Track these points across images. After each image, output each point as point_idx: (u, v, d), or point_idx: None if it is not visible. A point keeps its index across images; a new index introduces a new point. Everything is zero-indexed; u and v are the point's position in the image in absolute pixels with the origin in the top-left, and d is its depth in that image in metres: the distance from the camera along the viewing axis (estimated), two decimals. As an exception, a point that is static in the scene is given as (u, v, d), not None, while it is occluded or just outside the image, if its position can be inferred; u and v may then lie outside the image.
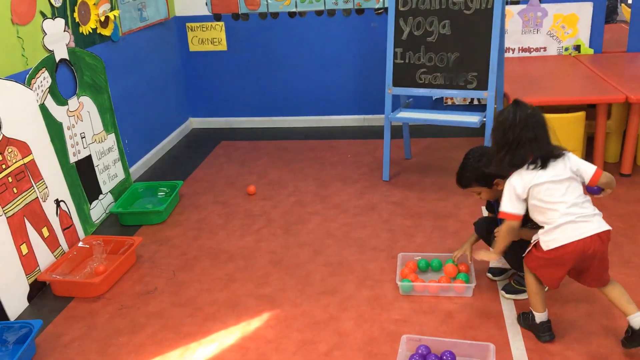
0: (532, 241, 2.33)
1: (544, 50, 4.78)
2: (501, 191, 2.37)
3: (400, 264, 2.92)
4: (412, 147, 4.54)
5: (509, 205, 2.27)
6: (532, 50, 4.79)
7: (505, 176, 2.34)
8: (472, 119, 3.79)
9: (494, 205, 2.69)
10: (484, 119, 3.70)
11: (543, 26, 4.72)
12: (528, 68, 4.50)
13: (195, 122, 5.64)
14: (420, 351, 2.29)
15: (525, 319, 2.46)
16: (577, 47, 4.70)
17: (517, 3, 4.73)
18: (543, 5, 4.67)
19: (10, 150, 2.91)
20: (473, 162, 2.54)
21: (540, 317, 2.37)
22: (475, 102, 5.06)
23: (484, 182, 2.52)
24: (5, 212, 2.80)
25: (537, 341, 2.38)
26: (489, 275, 2.84)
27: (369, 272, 2.98)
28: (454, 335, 2.45)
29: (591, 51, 4.70)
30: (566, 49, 4.74)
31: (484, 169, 2.41)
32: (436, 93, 3.86)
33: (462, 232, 3.29)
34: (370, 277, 2.93)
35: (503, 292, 2.69)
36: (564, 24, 4.69)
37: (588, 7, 4.62)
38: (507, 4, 4.64)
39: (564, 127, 3.52)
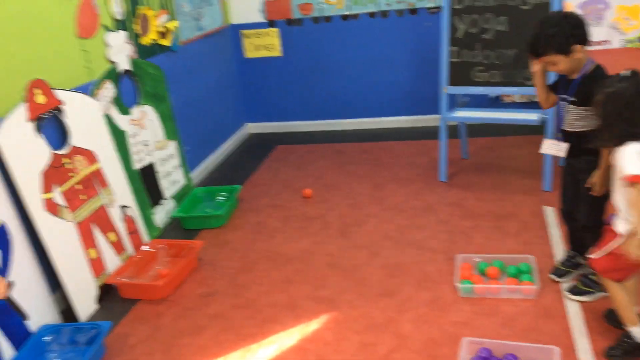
0: (603, 249, 2.21)
1: (607, 44, 4.60)
2: (578, 60, 2.34)
3: (458, 265, 2.88)
4: (470, 147, 4.46)
5: (636, 166, 2.00)
6: (594, 43, 4.62)
7: (584, 41, 2.34)
8: (531, 116, 3.69)
9: (558, 85, 2.54)
10: (544, 116, 3.60)
11: (605, 18, 4.55)
12: (590, 62, 4.34)
13: (252, 127, 5.74)
14: (481, 354, 2.25)
15: (623, 348, 2.24)
16: (643, 39, 4.51)
17: (577, -4, 4.58)
18: (605, -4, 4.51)
19: (78, 159, 3.04)
20: (549, 28, 2.34)
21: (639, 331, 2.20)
22: (535, 99, 4.92)
23: (562, 49, 2.34)
24: (74, 218, 2.94)
25: (604, 344, 2.29)
26: (553, 276, 2.75)
27: (427, 274, 2.95)
28: (517, 339, 2.39)
29: (658, 42, 4.49)
30: (630, 42, 4.55)
31: (592, 141, 2.20)
32: (494, 91, 3.79)
33: (523, 233, 3.21)
34: (429, 278, 2.90)
35: (568, 294, 2.61)
36: (628, 16, 4.50)
37: (654, -3, 4.43)
38: (566, -3, 4.49)
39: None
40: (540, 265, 2.84)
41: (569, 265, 2.75)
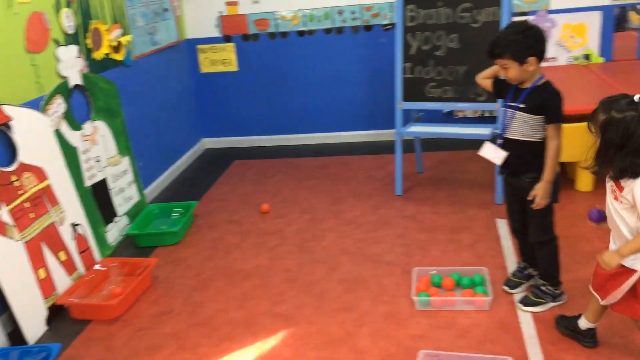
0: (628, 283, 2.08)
1: (554, 60, 4.77)
2: (529, 72, 2.39)
3: (415, 278, 2.91)
4: (424, 161, 4.54)
5: None
6: (541, 60, 4.78)
7: (541, 56, 2.38)
8: (483, 131, 3.78)
9: (499, 86, 2.60)
10: (496, 131, 3.69)
11: (552, 36, 4.72)
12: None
13: (208, 143, 5.70)
14: (437, 367, 2.27)
15: (566, 322, 2.43)
16: (587, 56, 4.69)
17: (525, 14, 4.74)
18: (551, 15, 4.68)
19: (27, 176, 2.95)
20: (514, 34, 2.38)
21: (588, 324, 2.35)
22: (487, 114, 5.05)
23: (518, 56, 2.37)
24: (23, 237, 2.84)
25: (556, 354, 2.35)
26: (505, 288, 2.81)
27: (384, 287, 2.97)
28: (472, 350, 2.42)
29: (601, 60, 4.69)
30: (576, 59, 4.73)
31: (600, 166, 2.03)
32: (446, 106, 3.87)
33: (477, 245, 3.27)
34: (386, 292, 2.92)
35: (520, 305, 2.67)
36: (573, 34, 4.69)
37: (597, 16, 4.63)
38: (514, 15, 4.65)
39: (576, 136, 3.47)
40: (494, 277, 2.90)
41: (521, 277, 2.81)
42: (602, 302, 2.21)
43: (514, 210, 2.71)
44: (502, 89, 2.60)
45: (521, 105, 2.49)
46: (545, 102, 2.43)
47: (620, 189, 2.00)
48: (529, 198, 2.49)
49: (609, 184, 2.07)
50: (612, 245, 2.14)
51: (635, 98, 1.93)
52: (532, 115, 2.46)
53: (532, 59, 2.39)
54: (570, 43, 4.72)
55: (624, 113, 1.92)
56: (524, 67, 2.40)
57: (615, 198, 2.04)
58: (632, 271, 2.05)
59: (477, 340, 2.49)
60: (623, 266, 2.05)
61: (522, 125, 2.50)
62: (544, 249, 2.62)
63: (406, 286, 2.94)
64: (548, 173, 2.44)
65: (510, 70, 2.43)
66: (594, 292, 2.24)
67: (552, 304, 2.64)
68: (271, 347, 2.60)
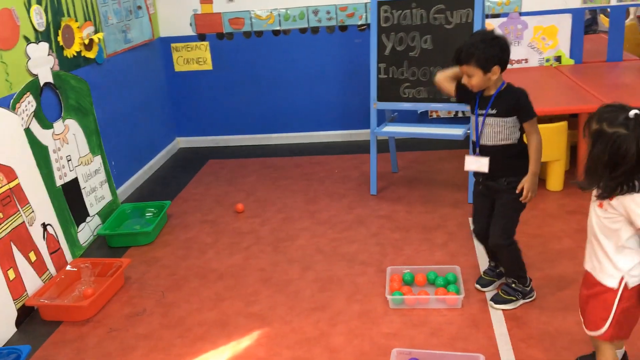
0: (609, 318, 1.91)
1: (526, 62, 4.84)
2: (492, 80, 2.43)
3: (389, 277, 2.93)
4: (399, 161, 4.57)
5: None
6: (513, 62, 4.85)
7: (504, 65, 2.42)
8: (456, 131, 3.82)
9: (462, 92, 2.62)
10: (468, 131, 3.74)
11: (524, 38, 4.79)
12: (510, 80, 4.47)
13: (182, 142, 5.65)
14: (410, 364, 2.29)
15: None
16: (558, 58, 4.77)
17: (498, 16, 4.80)
18: (523, 17, 4.75)
19: (-5, 175, 2.90)
20: (481, 42, 2.41)
21: (619, 353, 2.08)
22: (460, 115, 5.11)
23: (484, 65, 2.41)
24: (-9, 237, 2.79)
25: (526, 351, 2.39)
26: (477, 286, 2.85)
27: (358, 286, 2.98)
28: (444, 347, 2.45)
29: (572, 62, 4.77)
30: (547, 60, 4.81)
31: (586, 184, 1.88)
32: (420, 107, 3.90)
33: (450, 244, 3.31)
34: (360, 291, 2.94)
35: (492, 303, 2.70)
36: (544, 36, 4.76)
37: (567, 19, 4.70)
38: (487, 17, 4.71)
39: (548, 137, 3.55)
40: (466, 275, 2.93)
41: (492, 275, 2.85)
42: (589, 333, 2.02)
43: (483, 213, 2.72)
44: (465, 96, 2.63)
45: (492, 112, 2.52)
46: (515, 102, 2.48)
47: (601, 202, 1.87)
48: (517, 191, 2.51)
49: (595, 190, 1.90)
50: (588, 262, 1.98)
51: (631, 114, 1.74)
52: (504, 119, 2.49)
53: (496, 68, 2.43)
54: (541, 45, 4.79)
55: (615, 128, 1.74)
56: (488, 75, 2.44)
57: (600, 205, 1.87)
58: (611, 290, 1.90)
59: (450, 337, 2.52)
60: (601, 285, 1.92)
61: (496, 130, 2.53)
62: (504, 253, 2.66)
63: (380, 285, 2.96)
64: (534, 165, 2.48)
65: (474, 78, 2.46)
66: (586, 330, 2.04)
67: (522, 301, 2.69)
68: (245, 347, 2.59)
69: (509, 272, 2.71)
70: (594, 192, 1.89)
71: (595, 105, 3.78)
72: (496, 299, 2.71)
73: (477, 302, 2.75)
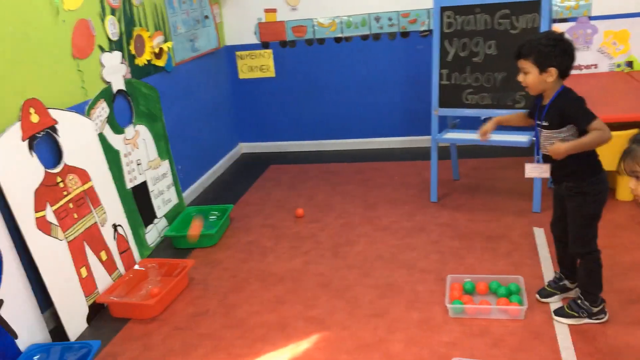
0: None
1: (595, 68, 4.68)
2: (547, 83, 2.37)
3: (449, 285, 2.90)
4: (460, 168, 4.50)
5: None
6: (582, 67, 4.70)
7: (564, 72, 2.35)
8: (521, 138, 3.74)
9: (535, 111, 2.56)
10: (534, 139, 3.64)
11: (593, 43, 4.63)
12: (579, 85, 4.35)
13: (245, 147, 5.77)
14: (470, 374, 2.26)
15: None
16: (630, 64, 4.59)
17: (566, 20, 4.67)
18: (592, 22, 4.60)
19: (71, 177, 3.06)
20: (544, 39, 2.37)
21: None
22: (525, 121, 4.98)
23: (541, 63, 2.36)
24: (66, 236, 2.94)
25: (593, 365, 2.31)
26: (537, 296, 2.78)
27: (418, 294, 2.96)
28: (506, 359, 2.40)
29: (645, 67, 4.58)
30: (618, 66, 4.63)
31: None
32: (483, 113, 3.83)
33: (514, 254, 3.24)
34: (420, 299, 2.92)
35: (553, 314, 2.63)
36: (615, 40, 4.59)
37: (640, 22, 4.52)
38: (554, 22, 4.58)
39: (618, 145, 3.41)
40: (530, 286, 2.86)
41: (555, 287, 2.77)
42: None
43: (556, 215, 2.68)
44: (533, 109, 2.59)
45: (544, 123, 2.47)
46: (563, 112, 2.39)
47: None
48: (546, 152, 2.47)
49: None
50: None
51: None
52: (557, 130, 2.43)
53: (552, 70, 2.37)
54: (612, 50, 4.62)
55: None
56: (543, 76, 2.39)
57: None
58: None
59: (511, 349, 2.47)
60: None
61: (552, 142, 2.45)
62: (583, 262, 2.57)
63: (440, 293, 2.93)
64: (578, 142, 2.35)
65: (529, 76, 2.41)
66: None
67: (587, 320, 2.57)
68: (304, 350, 2.62)
69: (581, 284, 2.62)
70: None
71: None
72: (558, 312, 2.63)
73: (540, 314, 2.68)
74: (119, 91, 3.61)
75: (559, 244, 2.74)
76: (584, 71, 4.71)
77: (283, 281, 3.23)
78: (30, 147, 2.82)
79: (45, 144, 2.97)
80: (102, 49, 3.48)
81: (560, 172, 2.50)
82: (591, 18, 4.61)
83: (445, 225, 3.68)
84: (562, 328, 2.56)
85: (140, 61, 3.90)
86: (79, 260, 3.00)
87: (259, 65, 5.43)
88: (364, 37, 5.16)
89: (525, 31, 3.58)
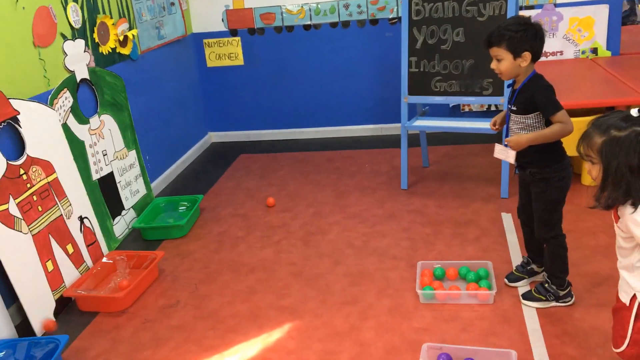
0: (627, 336, 1.83)
1: (561, 54, 4.75)
2: (521, 68, 2.38)
3: (419, 272, 2.92)
4: (430, 155, 4.54)
5: None
6: (548, 54, 4.76)
7: (536, 55, 2.36)
8: (488, 125, 3.77)
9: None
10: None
11: (559, 30, 4.70)
12: (545, 72, 4.41)
13: (215, 136, 5.71)
14: (441, 359, 2.28)
15: None
16: (594, 50, 4.67)
17: (532, 8, 4.72)
18: (558, 9, 4.66)
19: (34, 169, 2.98)
20: (514, 25, 2.38)
21: None
22: (493, 109, 5.04)
23: (514, 48, 2.37)
24: (31, 230, 2.87)
25: (560, 347, 2.36)
26: (506, 280, 2.82)
27: (389, 281, 2.98)
28: (476, 343, 2.43)
29: (609, 53, 4.66)
30: (583, 52, 4.71)
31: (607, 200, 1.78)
32: (452, 100, 3.86)
33: (482, 239, 3.28)
34: (391, 286, 2.94)
35: (521, 298, 2.68)
36: (580, 27, 4.66)
37: (604, 10, 4.59)
38: (521, 9, 4.63)
39: (582, 131, 3.49)
40: (498, 271, 2.90)
41: (523, 272, 2.82)
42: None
43: (521, 200, 2.72)
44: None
45: (513, 108, 2.50)
46: (532, 99, 2.42)
47: (616, 218, 1.80)
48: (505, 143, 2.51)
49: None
50: (624, 296, 1.86)
51: (633, 112, 1.69)
52: (524, 116, 2.46)
53: (526, 54, 2.38)
54: (577, 37, 4.69)
55: (629, 129, 1.67)
56: (517, 61, 2.40)
57: (616, 221, 1.82)
58: (626, 307, 1.83)
59: (481, 333, 2.50)
60: (619, 300, 1.87)
61: (519, 127, 2.50)
62: (549, 246, 2.62)
63: (411, 280, 2.95)
64: (539, 134, 2.40)
65: (503, 62, 2.42)
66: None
67: (554, 303, 2.62)
68: (276, 339, 2.62)
69: (547, 268, 2.67)
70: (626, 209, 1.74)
71: (633, 98, 3.70)
72: (526, 296, 2.67)
73: (509, 298, 2.72)
74: (83, 80, 3.53)
75: (525, 228, 2.78)
76: (550, 58, 4.77)
77: (255, 271, 3.22)
78: (-9, 139, 2.74)
79: (6, 135, 2.88)
80: (64, 37, 3.39)
81: (524, 158, 2.54)
82: (557, 5, 4.67)
83: (415, 212, 3.71)
84: (530, 311, 2.61)
85: (105, 49, 3.81)
86: (45, 253, 2.94)
87: (227, 53, 5.37)
88: (333, 25, 5.13)
89: (492, 18, 3.60)
